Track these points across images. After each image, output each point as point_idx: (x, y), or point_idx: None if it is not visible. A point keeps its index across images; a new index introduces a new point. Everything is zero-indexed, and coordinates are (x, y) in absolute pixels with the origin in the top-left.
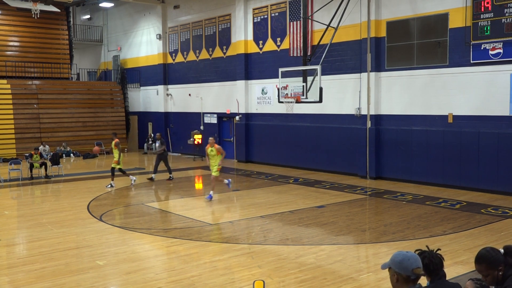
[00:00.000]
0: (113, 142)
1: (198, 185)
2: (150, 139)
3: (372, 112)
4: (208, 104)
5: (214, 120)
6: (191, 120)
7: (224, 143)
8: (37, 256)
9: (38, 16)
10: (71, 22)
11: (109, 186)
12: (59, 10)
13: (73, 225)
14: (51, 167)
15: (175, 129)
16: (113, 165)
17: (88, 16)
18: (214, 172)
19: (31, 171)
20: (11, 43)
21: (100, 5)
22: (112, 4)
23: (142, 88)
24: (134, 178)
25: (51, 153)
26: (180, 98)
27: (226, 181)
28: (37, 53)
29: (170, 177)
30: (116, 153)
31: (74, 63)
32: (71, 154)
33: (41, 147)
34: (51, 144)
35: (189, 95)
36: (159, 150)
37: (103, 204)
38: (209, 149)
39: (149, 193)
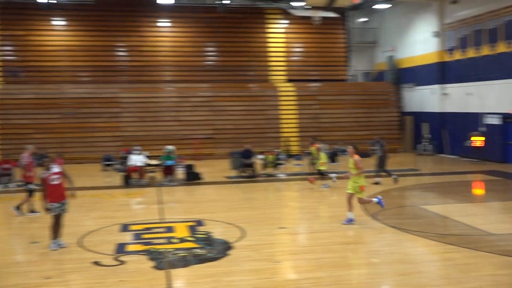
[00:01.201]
0: (314, 148)
1: (478, 191)
2: (424, 140)
3: None
4: (489, 103)
5: (496, 121)
6: (470, 120)
7: (509, 147)
8: (316, 247)
9: (319, 22)
10: (348, 26)
11: (326, 186)
12: (338, 15)
13: None
14: (329, 165)
15: (451, 130)
16: (321, 167)
17: (364, 19)
18: (349, 190)
19: (312, 168)
20: (295, 49)
21: (376, 7)
22: (388, 6)
23: (417, 87)
24: (334, 179)
25: (329, 151)
26: (457, 97)
27: (375, 199)
28: (317, 57)
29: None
30: (321, 156)
31: (351, 65)
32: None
33: (320, 145)
34: (328, 142)
35: (469, 94)
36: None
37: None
38: (349, 160)
39: (423, 195)
